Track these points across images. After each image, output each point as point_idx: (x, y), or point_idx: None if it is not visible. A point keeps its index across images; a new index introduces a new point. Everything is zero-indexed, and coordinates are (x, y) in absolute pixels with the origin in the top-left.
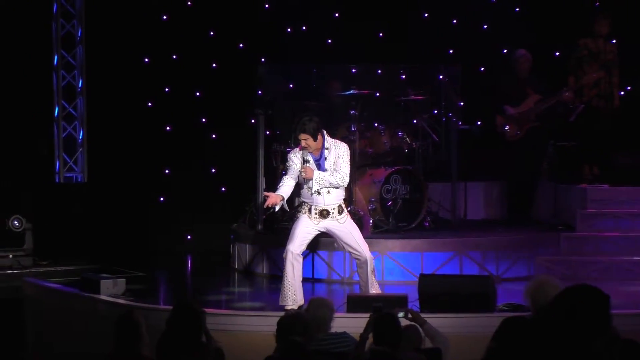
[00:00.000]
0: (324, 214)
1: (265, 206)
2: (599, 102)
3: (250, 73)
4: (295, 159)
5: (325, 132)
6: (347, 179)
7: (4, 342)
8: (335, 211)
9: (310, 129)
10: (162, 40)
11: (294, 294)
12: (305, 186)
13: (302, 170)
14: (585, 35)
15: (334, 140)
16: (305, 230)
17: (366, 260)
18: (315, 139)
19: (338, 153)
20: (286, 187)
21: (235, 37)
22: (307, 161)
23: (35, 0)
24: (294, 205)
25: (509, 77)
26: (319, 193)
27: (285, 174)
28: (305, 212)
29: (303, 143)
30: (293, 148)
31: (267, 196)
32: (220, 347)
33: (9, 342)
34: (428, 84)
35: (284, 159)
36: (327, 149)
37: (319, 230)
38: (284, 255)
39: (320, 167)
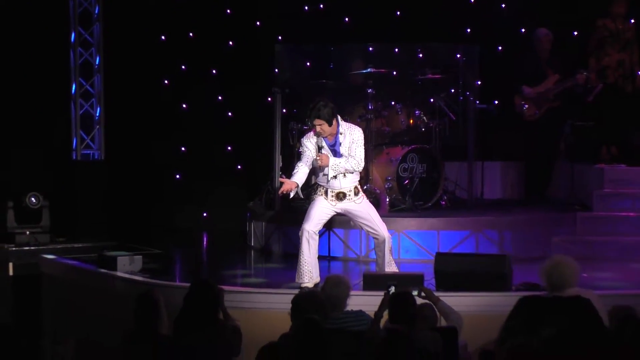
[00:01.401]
0: (340, 196)
1: (280, 192)
2: (624, 83)
3: (267, 51)
4: (309, 144)
5: (339, 117)
6: (362, 164)
7: (22, 318)
8: (352, 193)
9: (325, 114)
10: (178, 18)
11: (310, 271)
12: (320, 173)
13: (318, 158)
14: (602, 15)
15: (348, 124)
16: (321, 210)
17: (384, 239)
18: (330, 124)
19: (353, 137)
20: (300, 174)
21: (252, 15)
22: (322, 147)
23: None
24: (310, 184)
25: (530, 56)
26: (335, 177)
27: (299, 160)
28: (321, 194)
29: (318, 129)
30: (307, 131)
31: (283, 182)
32: (237, 325)
33: (27, 318)
34: (445, 63)
35: (301, 138)
36: (341, 134)
37: (335, 211)
38: (299, 234)
39: (335, 152)
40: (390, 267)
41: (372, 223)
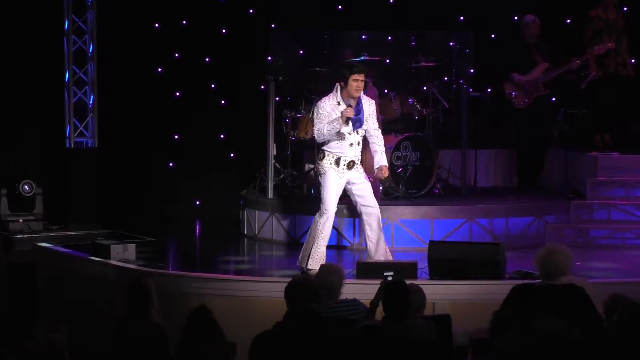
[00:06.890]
0: (350, 165)
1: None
2: (622, 71)
3: (260, 39)
4: (327, 108)
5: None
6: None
7: (15, 306)
8: (359, 162)
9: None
10: (172, 5)
11: (313, 258)
12: (338, 138)
13: (381, 173)
14: (594, 5)
15: (364, 95)
16: (336, 188)
17: (377, 215)
18: (367, 87)
19: (370, 110)
20: None
21: (245, 2)
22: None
23: None
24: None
25: (517, 43)
26: (350, 144)
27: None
28: (331, 166)
29: (355, 84)
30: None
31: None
32: (233, 342)
33: (20, 306)
34: (439, 51)
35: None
36: (363, 101)
37: (344, 183)
38: (317, 216)
39: (360, 121)
40: (380, 253)
41: (369, 195)
